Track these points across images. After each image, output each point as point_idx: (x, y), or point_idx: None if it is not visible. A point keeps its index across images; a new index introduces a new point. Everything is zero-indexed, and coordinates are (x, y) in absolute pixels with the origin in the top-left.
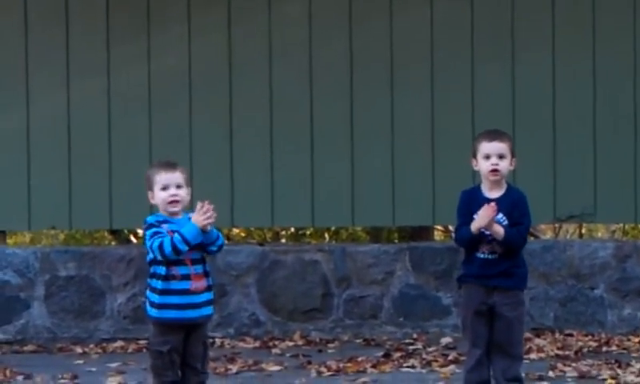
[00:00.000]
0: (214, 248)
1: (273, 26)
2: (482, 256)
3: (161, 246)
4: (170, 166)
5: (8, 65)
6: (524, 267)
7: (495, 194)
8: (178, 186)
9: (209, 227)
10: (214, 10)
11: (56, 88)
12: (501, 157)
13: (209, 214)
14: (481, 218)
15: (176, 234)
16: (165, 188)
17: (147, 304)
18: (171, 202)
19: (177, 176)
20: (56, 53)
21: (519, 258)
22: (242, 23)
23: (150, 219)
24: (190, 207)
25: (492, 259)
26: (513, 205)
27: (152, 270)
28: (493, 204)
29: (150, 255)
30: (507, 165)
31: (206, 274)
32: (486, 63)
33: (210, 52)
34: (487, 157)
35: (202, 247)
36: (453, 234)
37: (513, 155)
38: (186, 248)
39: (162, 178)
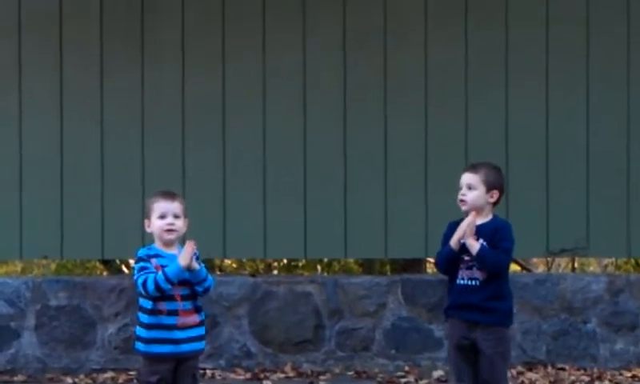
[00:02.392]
0: (201, 289)
1: (267, 58)
2: (462, 282)
3: (144, 284)
4: (170, 195)
5: (1, 90)
6: (508, 301)
7: (479, 222)
8: (176, 216)
9: (196, 266)
10: (209, 47)
11: (49, 115)
12: (470, 187)
13: (190, 257)
14: (460, 228)
15: (159, 273)
16: (162, 216)
17: (135, 339)
18: (167, 231)
19: (175, 206)
20: (49, 81)
21: (503, 290)
22: (234, 59)
23: (141, 253)
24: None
25: (473, 286)
26: (495, 230)
27: (139, 303)
28: (473, 212)
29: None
30: (477, 195)
31: (197, 310)
32: (480, 98)
33: (203, 85)
34: (460, 187)
35: (191, 285)
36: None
37: (493, 187)
38: (169, 287)
39: (160, 206)
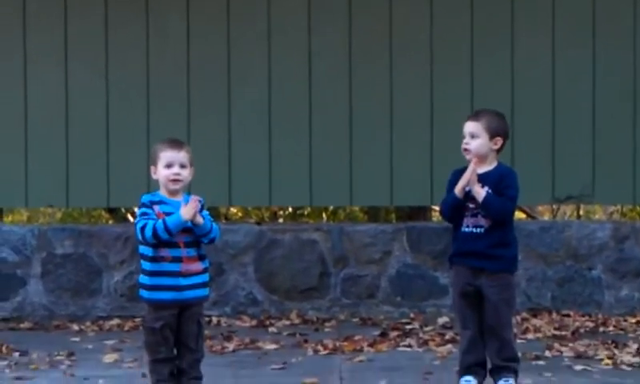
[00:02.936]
0: (205, 240)
1: (272, 7)
2: (467, 230)
3: (143, 229)
4: (177, 144)
5: (6, 41)
6: (513, 248)
7: (484, 169)
8: (182, 166)
9: (200, 221)
10: (210, 2)
11: (54, 65)
12: (473, 136)
13: (194, 213)
14: (464, 177)
15: (159, 221)
16: (169, 166)
17: (139, 286)
18: (173, 181)
19: (182, 156)
20: (54, 32)
21: (508, 237)
22: (239, 7)
23: (145, 199)
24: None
25: (477, 233)
26: (500, 178)
27: (140, 251)
28: (474, 160)
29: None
30: (481, 143)
31: (201, 257)
32: (486, 46)
33: (207, 33)
34: (463, 136)
35: (194, 232)
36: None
37: (496, 134)
38: (167, 237)
39: (166, 155)
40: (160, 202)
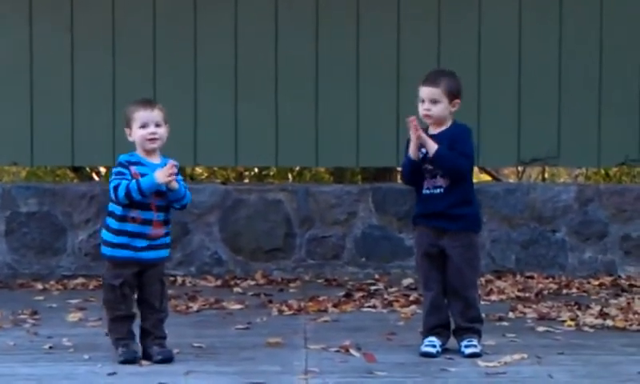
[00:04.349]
0: (177, 205)
1: None
2: (427, 192)
3: (116, 188)
4: (149, 104)
5: None
6: (474, 207)
7: (439, 129)
8: (157, 125)
9: (175, 186)
10: None
11: (18, 23)
12: (434, 101)
13: (170, 178)
14: (412, 140)
15: (133, 182)
16: (144, 126)
17: (101, 243)
18: (150, 140)
19: (155, 114)
20: None
21: (468, 197)
22: None
23: (122, 158)
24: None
25: (437, 194)
26: (453, 137)
27: (109, 208)
28: (413, 118)
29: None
30: (442, 108)
31: (166, 223)
32: (454, 9)
33: None
34: (422, 101)
35: (167, 197)
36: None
37: (454, 97)
38: (140, 197)
39: (140, 115)
40: (137, 163)
